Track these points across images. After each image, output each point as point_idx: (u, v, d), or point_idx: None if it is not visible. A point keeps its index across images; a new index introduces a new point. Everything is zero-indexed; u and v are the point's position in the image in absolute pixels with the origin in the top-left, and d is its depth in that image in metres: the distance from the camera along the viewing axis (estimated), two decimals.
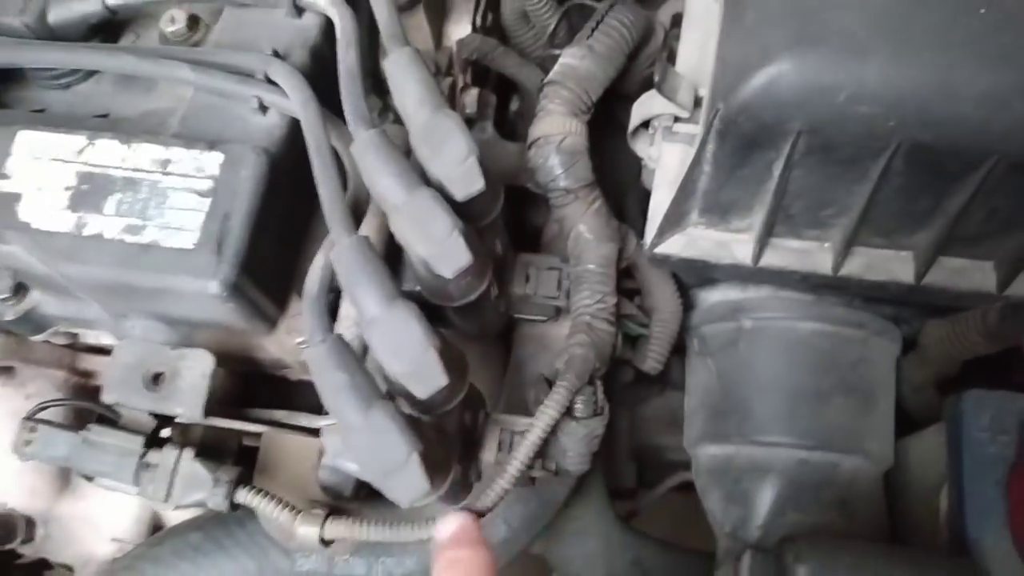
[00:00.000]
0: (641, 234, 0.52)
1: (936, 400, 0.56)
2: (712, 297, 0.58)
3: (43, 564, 0.64)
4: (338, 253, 0.38)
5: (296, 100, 0.44)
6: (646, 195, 0.52)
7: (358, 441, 0.36)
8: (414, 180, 0.39)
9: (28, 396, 0.59)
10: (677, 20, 0.66)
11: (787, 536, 0.48)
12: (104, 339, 0.53)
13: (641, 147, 0.53)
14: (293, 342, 0.48)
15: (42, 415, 0.50)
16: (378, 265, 0.38)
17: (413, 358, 0.36)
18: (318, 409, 0.48)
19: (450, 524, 0.41)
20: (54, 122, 0.47)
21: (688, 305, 0.58)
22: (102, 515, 0.62)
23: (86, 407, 0.52)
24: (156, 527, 0.63)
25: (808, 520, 0.52)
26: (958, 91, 0.35)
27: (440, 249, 0.38)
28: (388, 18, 0.44)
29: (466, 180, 0.39)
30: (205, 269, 0.42)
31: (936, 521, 0.50)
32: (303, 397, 0.53)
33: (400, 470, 0.36)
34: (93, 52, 0.48)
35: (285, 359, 0.50)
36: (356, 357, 0.38)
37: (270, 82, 0.45)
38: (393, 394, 0.40)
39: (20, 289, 0.48)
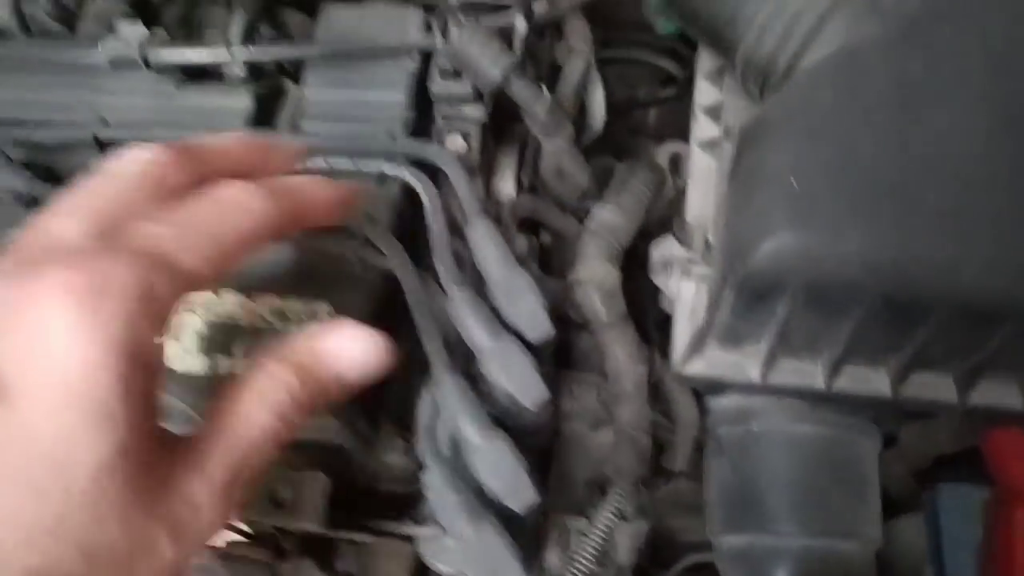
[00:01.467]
0: (661, 351, 0.62)
1: (913, 486, 0.66)
2: (723, 403, 0.68)
3: None
4: (443, 391, 0.49)
5: (393, 259, 0.54)
6: (664, 317, 0.63)
7: (471, 552, 0.45)
8: (498, 328, 0.50)
9: None
10: (675, 160, 0.78)
11: None
12: None
13: (660, 280, 0.64)
14: (387, 460, 0.56)
15: None
16: (476, 404, 0.48)
17: (509, 479, 0.46)
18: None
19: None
20: None
21: (703, 410, 0.68)
22: None
23: None
24: None
25: None
26: (916, 260, 0.47)
27: (522, 385, 0.48)
28: (468, 192, 0.55)
29: (541, 328, 0.50)
30: None
31: None
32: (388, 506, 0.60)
33: None
34: None
35: (380, 474, 0.58)
36: (465, 479, 0.47)
37: (367, 242, 0.55)
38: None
39: None
